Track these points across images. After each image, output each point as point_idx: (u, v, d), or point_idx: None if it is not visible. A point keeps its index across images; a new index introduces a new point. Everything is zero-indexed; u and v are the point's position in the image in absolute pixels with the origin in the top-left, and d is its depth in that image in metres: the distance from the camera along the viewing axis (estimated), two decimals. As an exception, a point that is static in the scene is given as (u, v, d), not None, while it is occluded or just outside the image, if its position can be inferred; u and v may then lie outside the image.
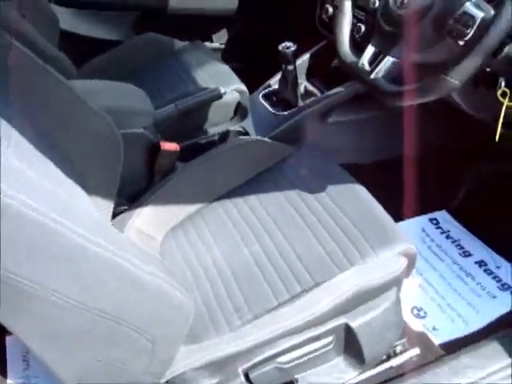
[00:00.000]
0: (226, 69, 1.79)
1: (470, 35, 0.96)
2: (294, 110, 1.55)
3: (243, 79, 1.76)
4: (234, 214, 1.27)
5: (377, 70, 1.12)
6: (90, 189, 1.05)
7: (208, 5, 2.15)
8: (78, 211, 0.79)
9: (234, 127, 1.61)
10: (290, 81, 1.54)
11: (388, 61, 1.11)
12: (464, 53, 0.96)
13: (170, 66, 1.83)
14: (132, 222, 1.23)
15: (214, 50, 2.30)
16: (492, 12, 0.97)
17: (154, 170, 1.35)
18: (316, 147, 1.42)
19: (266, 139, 1.40)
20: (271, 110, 1.59)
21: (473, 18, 0.96)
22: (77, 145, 1.03)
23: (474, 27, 0.95)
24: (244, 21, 2.28)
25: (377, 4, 1.19)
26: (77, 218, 0.73)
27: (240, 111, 1.65)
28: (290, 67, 1.52)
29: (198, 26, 2.24)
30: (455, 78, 0.97)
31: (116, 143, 1.09)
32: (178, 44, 1.96)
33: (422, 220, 1.82)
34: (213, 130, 1.65)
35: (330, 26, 1.59)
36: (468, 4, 0.98)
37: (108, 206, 1.15)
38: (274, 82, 1.66)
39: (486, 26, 0.94)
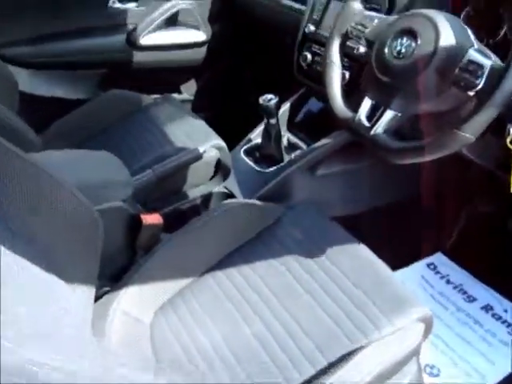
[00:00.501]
0: (201, 124, 1.69)
1: (480, 86, 0.88)
2: (279, 165, 1.46)
3: (216, 129, 1.67)
4: (227, 286, 1.16)
5: (377, 125, 1.04)
6: (68, 279, 0.92)
7: (175, 56, 2.07)
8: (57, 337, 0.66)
9: (217, 188, 1.50)
10: (273, 135, 1.46)
11: (388, 114, 1.02)
12: (476, 105, 0.88)
13: (141, 123, 1.72)
14: (116, 304, 1.11)
15: (184, 101, 2.21)
16: (498, 60, 0.90)
17: (135, 245, 1.22)
18: (308, 203, 1.32)
19: (255, 201, 1.30)
20: (255, 167, 1.50)
21: (481, 67, 0.89)
22: (50, 233, 0.89)
23: (484, 77, 0.88)
24: (212, 69, 2.20)
25: (362, 50, 1.11)
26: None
27: (221, 170, 1.55)
28: (273, 121, 1.44)
29: (166, 79, 2.16)
30: (469, 133, 0.89)
31: (94, 224, 0.97)
32: (147, 99, 1.86)
33: (420, 266, 1.74)
34: (194, 192, 1.54)
35: (310, 74, 1.52)
36: (472, 51, 0.91)
37: (89, 291, 1.02)
38: (255, 136, 1.57)
39: (496, 75, 0.87)
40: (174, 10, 2.00)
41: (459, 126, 0.89)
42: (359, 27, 1.13)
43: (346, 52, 1.19)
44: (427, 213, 1.59)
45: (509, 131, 0.98)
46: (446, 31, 0.96)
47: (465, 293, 1.66)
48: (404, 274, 1.67)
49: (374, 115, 1.05)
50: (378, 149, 1.05)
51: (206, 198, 1.52)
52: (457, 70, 0.92)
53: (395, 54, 1.01)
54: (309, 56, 1.52)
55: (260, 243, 1.23)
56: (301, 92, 1.65)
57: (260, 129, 1.59)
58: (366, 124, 1.06)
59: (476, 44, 0.95)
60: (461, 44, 0.95)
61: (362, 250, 1.15)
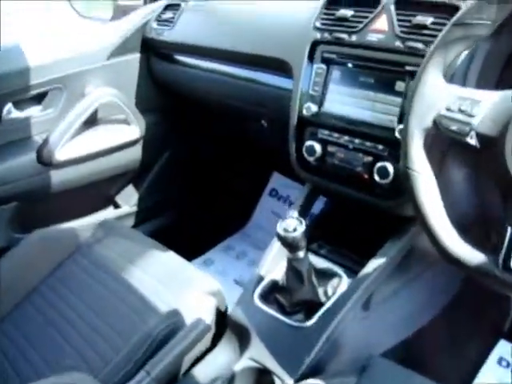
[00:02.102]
0: (170, 258, 1.26)
1: None
2: (321, 312, 1.01)
3: (167, 243, 1.31)
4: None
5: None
6: None
7: (104, 165, 1.58)
8: None
9: (241, 363, 1.00)
10: (304, 272, 1.00)
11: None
12: None
13: (88, 272, 1.21)
14: None
15: (125, 216, 1.72)
16: None
17: None
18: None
19: None
20: (286, 319, 1.03)
21: None
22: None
23: None
24: (155, 169, 1.73)
25: (472, 141, 0.70)
26: None
27: (223, 328, 1.09)
28: (301, 254, 0.98)
29: (97, 194, 1.67)
30: None
31: None
32: (84, 232, 1.34)
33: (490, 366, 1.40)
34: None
35: (324, 170, 1.10)
36: None
37: None
38: (266, 270, 1.12)
39: None
40: (94, 106, 1.50)
41: None
42: (454, 115, 0.71)
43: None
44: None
45: None
46: None
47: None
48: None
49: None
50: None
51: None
52: None
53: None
54: (317, 147, 1.10)
55: None
56: (307, 192, 1.20)
57: (269, 257, 1.14)
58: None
59: None
60: None
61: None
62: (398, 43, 0.99)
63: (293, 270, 1.01)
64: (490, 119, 0.69)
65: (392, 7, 1.02)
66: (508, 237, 0.67)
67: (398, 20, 1.01)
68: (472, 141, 0.70)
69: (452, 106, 0.72)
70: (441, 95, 0.73)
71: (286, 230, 0.95)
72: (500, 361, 1.43)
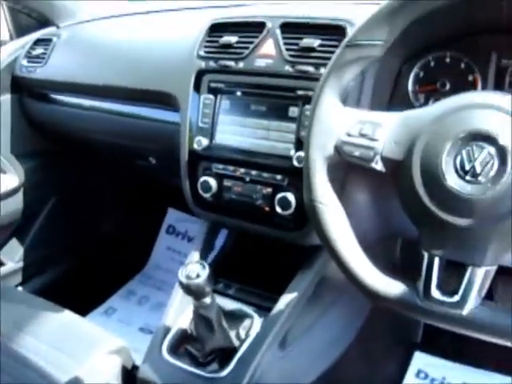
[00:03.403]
0: (67, 318, 1.14)
1: None
2: (235, 360, 0.94)
3: (58, 299, 1.18)
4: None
5: (467, 295, 0.61)
6: None
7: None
8: None
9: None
10: (213, 318, 0.92)
11: (479, 274, 0.60)
12: None
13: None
14: None
15: (11, 274, 1.55)
16: None
17: None
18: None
19: None
20: (199, 372, 0.94)
21: None
22: None
23: None
24: (39, 218, 1.58)
25: (378, 167, 0.67)
26: None
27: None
28: (208, 300, 0.90)
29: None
30: None
31: None
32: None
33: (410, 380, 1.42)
34: None
35: (221, 205, 1.04)
36: None
37: None
38: (171, 320, 1.03)
39: None
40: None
41: None
42: (356, 140, 0.67)
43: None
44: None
45: None
46: None
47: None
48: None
49: (449, 279, 0.62)
50: (485, 333, 0.61)
51: None
52: None
53: (466, 176, 0.59)
54: (212, 182, 1.03)
55: None
56: (207, 227, 1.13)
57: (175, 303, 1.05)
58: (446, 298, 0.62)
59: None
60: None
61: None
62: (287, 67, 0.96)
63: (200, 317, 0.93)
64: (393, 142, 0.65)
65: (278, 31, 0.99)
66: (425, 263, 0.63)
67: (285, 44, 0.97)
68: (377, 166, 0.66)
69: (352, 130, 0.68)
70: (340, 120, 0.69)
71: (188, 277, 0.87)
72: (418, 373, 1.44)
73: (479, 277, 0.60)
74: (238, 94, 1.01)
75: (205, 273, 0.88)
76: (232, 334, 0.99)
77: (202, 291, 0.89)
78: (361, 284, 0.68)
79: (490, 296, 0.66)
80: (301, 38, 0.95)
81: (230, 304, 1.05)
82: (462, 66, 0.92)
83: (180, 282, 0.88)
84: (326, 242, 0.70)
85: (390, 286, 0.66)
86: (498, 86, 0.90)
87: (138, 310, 1.80)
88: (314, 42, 0.94)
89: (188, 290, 0.89)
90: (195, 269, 0.88)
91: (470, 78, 0.92)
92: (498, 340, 0.62)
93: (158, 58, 1.21)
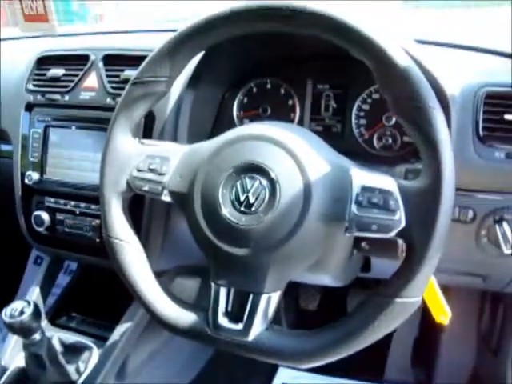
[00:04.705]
0: None
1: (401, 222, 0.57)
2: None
3: None
4: None
5: (252, 322, 0.64)
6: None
7: None
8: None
9: None
10: (44, 355, 0.91)
11: (262, 301, 0.64)
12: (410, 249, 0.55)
13: None
14: None
15: None
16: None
17: None
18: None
19: None
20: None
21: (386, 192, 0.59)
22: None
23: (400, 205, 0.58)
24: None
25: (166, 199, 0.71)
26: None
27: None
28: (37, 336, 0.90)
29: None
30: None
31: None
32: None
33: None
34: None
35: (56, 239, 1.04)
36: (355, 172, 0.61)
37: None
38: (19, 361, 1.01)
39: (417, 194, 0.56)
40: None
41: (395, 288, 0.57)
42: (145, 175, 0.70)
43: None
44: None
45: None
46: (311, 157, 0.62)
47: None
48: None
49: (238, 308, 0.66)
50: (267, 357, 0.65)
51: None
52: (354, 209, 0.58)
53: (240, 207, 0.63)
54: (45, 216, 1.02)
55: None
56: (48, 261, 1.12)
57: (12, 341, 1.03)
58: (232, 326, 0.65)
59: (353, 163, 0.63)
60: (337, 167, 0.62)
61: None
62: (108, 100, 0.97)
63: (31, 355, 0.92)
64: (179, 176, 0.69)
65: (100, 64, 1.00)
66: (213, 292, 0.66)
67: (107, 76, 0.99)
68: (167, 198, 0.69)
69: (142, 165, 0.70)
70: (130, 156, 0.72)
71: (12, 316, 0.86)
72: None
73: (262, 303, 0.64)
74: (65, 127, 1.02)
75: (29, 309, 0.87)
76: (71, 368, 0.98)
77: (27, 328, 0.88)
78: (155, 315, 0.70)
79: (278, 320, 0.70)
80: (122, 70, 0.97)
81: (71, 337, 1.04)
82: (282, 91, 0.98)
83: (3, 322, 0.87)
84: (124, 276, 0.71)
85: (181, 317, 0.68)
86: (315, 109, 0.97)
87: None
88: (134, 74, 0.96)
89: (11, 328, 0.87)
90: (18, 307, 0.87)
91: (290, 102, 0.98)
92: (283, 363, 0.66)
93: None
